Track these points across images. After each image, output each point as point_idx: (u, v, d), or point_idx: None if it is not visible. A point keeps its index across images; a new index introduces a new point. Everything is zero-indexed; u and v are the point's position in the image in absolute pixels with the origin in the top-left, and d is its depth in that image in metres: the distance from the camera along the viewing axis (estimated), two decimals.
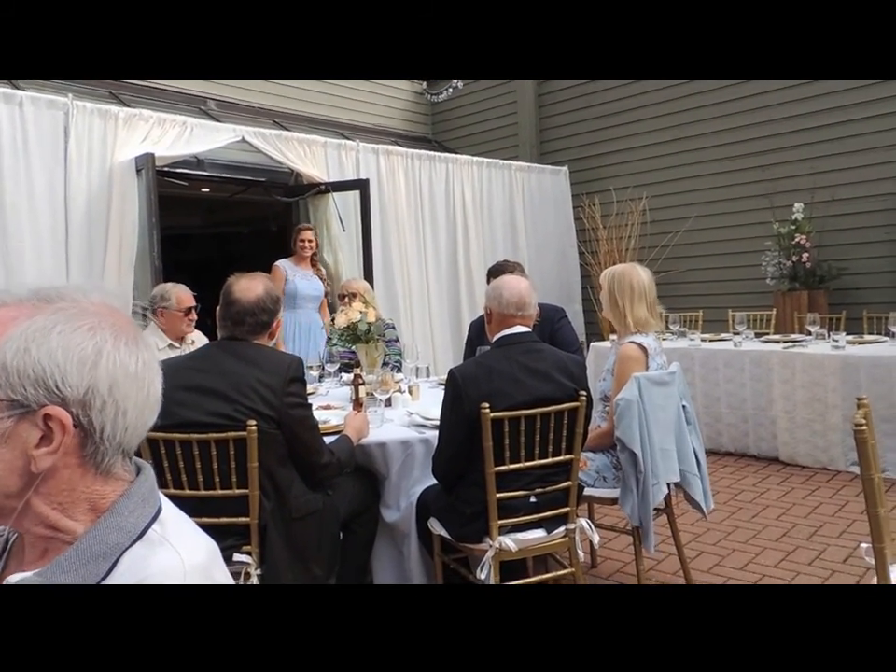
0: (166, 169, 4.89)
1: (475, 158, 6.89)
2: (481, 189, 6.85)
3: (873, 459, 1.55)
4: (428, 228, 6.36)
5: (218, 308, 2.23)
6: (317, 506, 2.24)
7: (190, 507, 1.95)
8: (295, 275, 5.07)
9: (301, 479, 2.23)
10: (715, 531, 3.52)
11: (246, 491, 2.05)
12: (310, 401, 2.37)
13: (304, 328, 5.04)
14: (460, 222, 6.60)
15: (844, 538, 3.34)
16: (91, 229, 4.28)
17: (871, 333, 5.18)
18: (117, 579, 0.79)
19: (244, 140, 5.09)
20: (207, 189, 7.22)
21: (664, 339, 5.26)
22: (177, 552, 0.82)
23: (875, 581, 1.57)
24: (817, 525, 3.52)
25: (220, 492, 2.05)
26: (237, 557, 2.05)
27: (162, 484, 2.05)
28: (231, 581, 0.89)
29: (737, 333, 4.93)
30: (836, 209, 6.12)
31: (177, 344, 3.45)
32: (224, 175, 5.99)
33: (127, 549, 0.80)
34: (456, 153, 7.17)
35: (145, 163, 4.36)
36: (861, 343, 4.57)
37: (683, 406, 2.79)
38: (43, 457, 0.78)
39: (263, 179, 6.14)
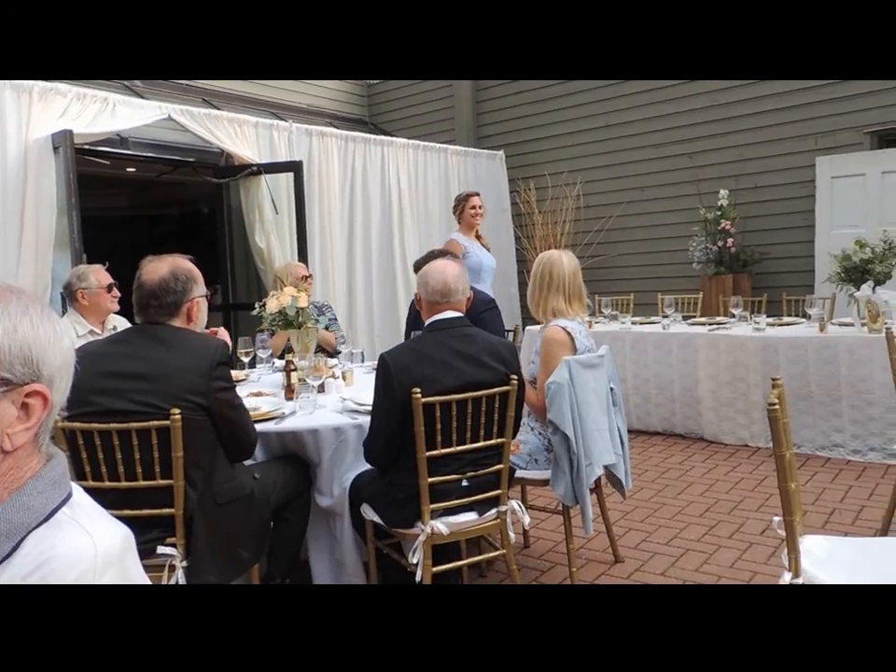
0: (87, 147, 4.68)
1: (411, 141, 6.83)
2: (417, 174, 6.80)
3: (785, 437, 1.62)
4: (363, 211, 6.29)
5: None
6: (244, 491, 2.20)
7: (111, 500, 1.92)
8: (473, 247, 4.66)
9: (229, 458, 2.19)
10: (642, 508, 3.63)
11: (171, 482, 1.99)
12: (237, 385, 2.33)
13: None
14: (396, 206, 6.55)
15: (762, 511, 3.50)
16: (5, 209, 4.06)
17: (790, 315, 5.41)
18: (20, 560, 0.76)
19: (170, 118, 4.90)
20: (133, 169, 6.95)
21: (596, 322, 5.38)
22: (89, 534, 0.80)
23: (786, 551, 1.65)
24: (737, 500, 3.67)
25: (143, 483, 1.99)
26: (161, 550, 2.00)
27: (80, 476, 1.98)
28: (142, 573, 0.87)
29: (666, 316, 5.07)
30: (759, 196, 6.36)
31: (98, 331, 3.32)
32: (150, 155, 5.77)
33: (33, 530, 0.78)
34: (392, 136, 7.09)
35: (62, 141, 4.15)
36: (780, 325, 4.77)
37: (611, 388, 2.85)
38: (19, 434, 0.80)
39: (192, 159, 5.95)
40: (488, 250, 4.82)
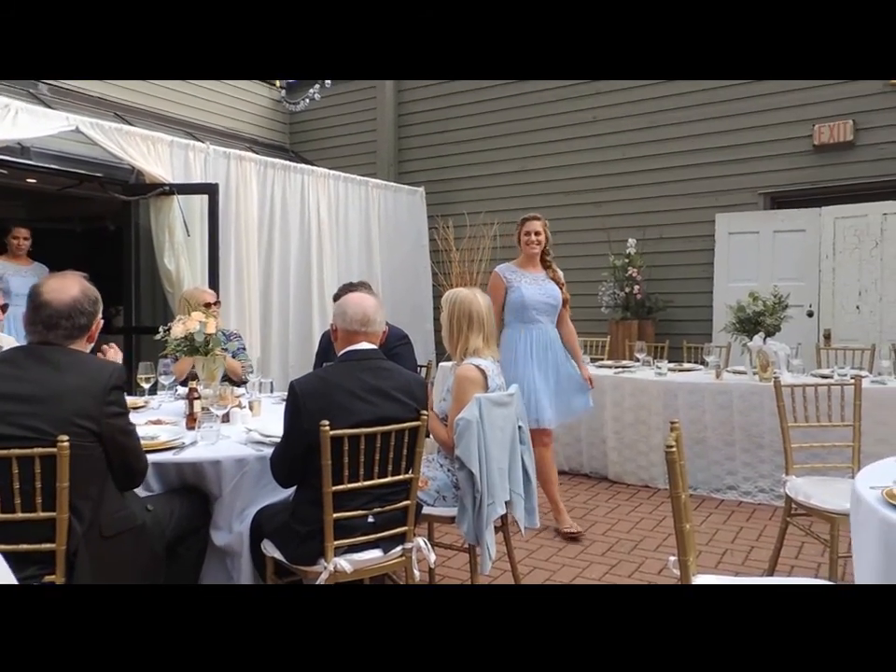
0: None
1: (332, 171, 6.82)
2: (337, 204, 6.78)
3: (681, 478, 1.68)
4: (281, 239, 6.19)
5: (25, 311, 2.03)
6: (135, 522, 2.08)
7: None
8: (521, 280, 3.96)
9: (118, 486, 2.07)
10: (548, 547, 3.67)
11: (54, 514, 1.86)
12: (133, 412, 2.23)
13: (540, 347, 3.93)
14: (314, 235, 6.49)
15: (659, 550, 3.60)
16: None
17: (689, 361, 5.67)
18: None
19: (78, 130, 4.70)
20: (34, 181, 6.59)
21: None
22: None
23: None
24: (637, 539, 3.77)
25: (21, 515, 1.84)
26: None
27: None
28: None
29: None
30: (664, 247, 6.69)
31: None
32: (53, 167, 5.49)
33: None
34: (313, 165, 7.06)
35: None
36: (680, 371, 4.99)
37: (519, 426, 2.89)
38: None
39: (100, 174, 5.70)
40: (559, 286, 4.04)
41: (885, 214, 5.79)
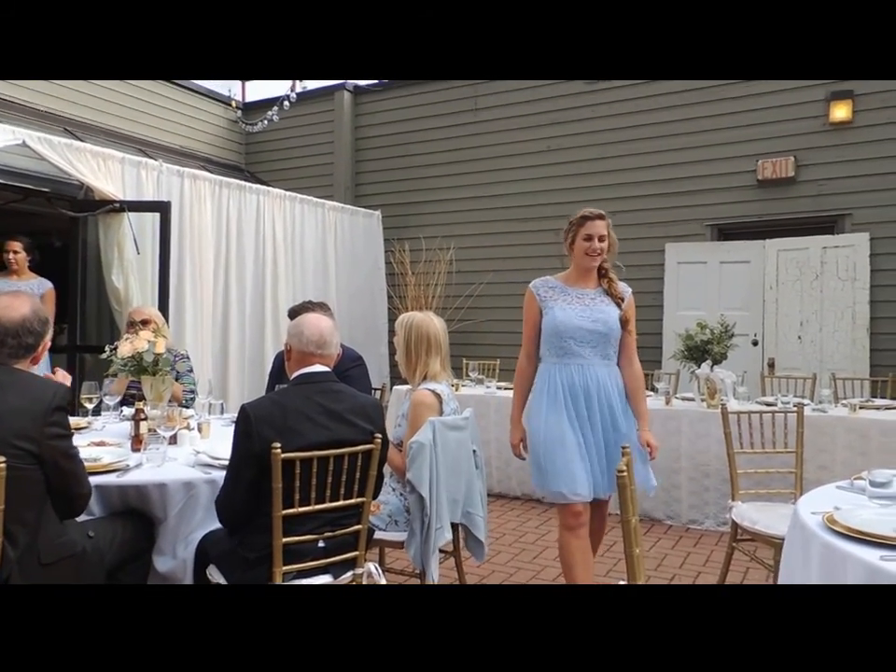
0: None
1: (288, 193, 6.79)
2: (293, 225, 6.74)
3: (631, 504, 1.70)
4: (235, 259, 6.11)
5: None
6: (75, 549, 2.00)
7: None
8: (558, 299, 2.88)
9: (58, 514, 1.99)
10: (499, 572, 3.66)
11: None
12: (76, 433, 2.15)
13: (579, 390, 2.81)
14: (269, 256, 6.43)
15: (610, 575, 3.63)
16: None
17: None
18: None
19: (25, 144, 4.58)
20: None
21: (463, 385, 5.47)
22: None
23: None
24: None
25: None
26: None
27: None
28: None
29: None
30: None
31: None
32: None
33: None
34: (269, 186, 7.02)
35: None
36: None
37: (474, 450, 2.89)
38: None
39: (47, 189, 5.56)
40: (617, 303, 2.88)
41: (824, 247, 6.04)
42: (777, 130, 6.30)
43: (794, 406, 3.49)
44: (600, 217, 2.90)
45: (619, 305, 2.89)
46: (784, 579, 1.91)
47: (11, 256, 5.04)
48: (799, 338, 6.12)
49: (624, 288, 2.95)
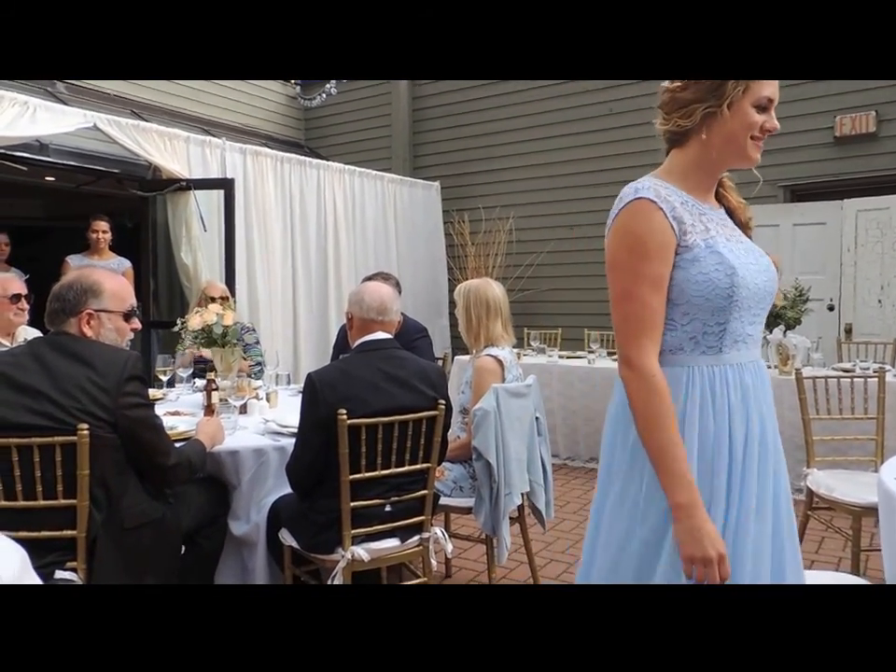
0: (1, 152, 4.46)
1: (347, 166, 6.83)
2: (353, 199, 6.79)
3: None
4: (298, 234, 6.22)
5: None
6: (156, 515, 2.08)
7: (4, 520, 1.78)
8: (710, 228, 1.45)
9: (146, 484, 2.08)
10: (564, 539, 3.65)
11: (74, 501, 1.87)
12: (153, 402, 2.22)
13: (758, 426, 1.46)
14: (331, 230, 6.51)
15: None
16: None
17: None
18: None
19: (96, 127, 4.73)
20: (52, 178, 6.66)
21: (524, 355, 5.45)
22: None
23: None
24: None
25: (43, 503, 1.86)
26: (60, 574, 1.86)
27: None
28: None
29: (592, 351, 5.18)
30: None
31: (7, 343, 3.12)
32: (71, 164, 5.54)
33: None
34: (328, 161, 7.07)
35: None
36: None
37: (536, 418, 2.87)
38: None
39: (117, 171, 5.75)
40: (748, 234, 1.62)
41: None
42: (857, 84, 5.93)
43: (874, 372, 3.33)
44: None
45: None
46: (885, 549, 1.84)
47: (99, 235, 5.26)
48: (879, 302, 5.82)
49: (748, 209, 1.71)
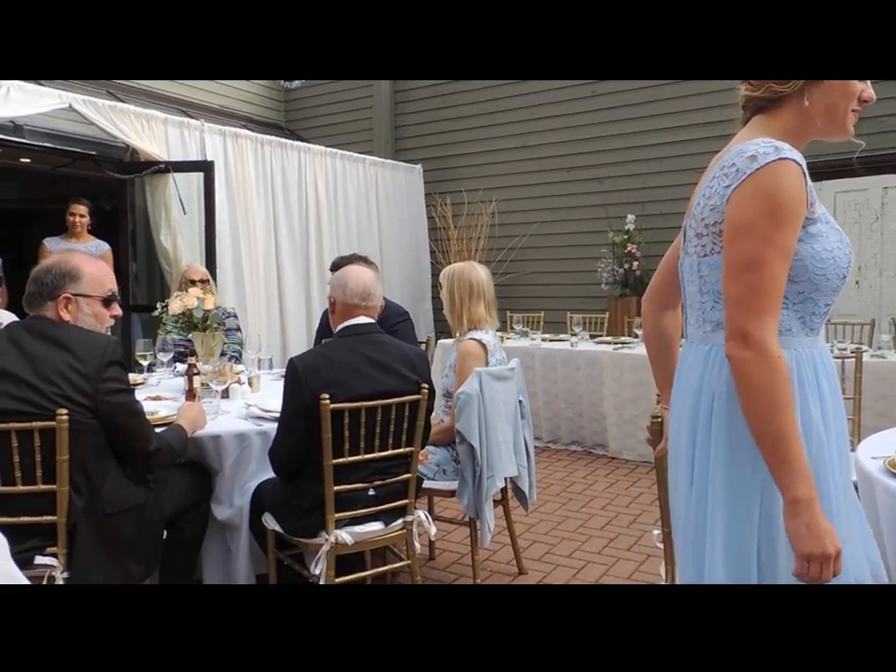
0: None
1: (329, 149, 6.76)
2: (335, 181, 6.74)
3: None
4: (281, 216, 6.17)
5: None
6: (137, 501, 2.07)
7: None
8: (821, 206, 1.31)
9: (127, 470, 2.06)
10: (547, 521, 3.69)
11: (54, 487, 1.85)
12: (133, 387, 2.20)
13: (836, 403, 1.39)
14: (313, 213, 6.46)
15: (657, 525, 3.60)
16: None
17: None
18: None
19: (71, 108, 4.64)
20: (28, 160, 6.53)
21: (507, 338, 5.46)
22: None
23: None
24: (636, 514, 3.79)
25: (21, 488, 1.84)
26: (40, 560, 1.85)
27: None
28: (22, 578, 0.80)
29: (574, 334, 5.20)
30: (663, 223, 6.65)
31: None
32: (47, 145, 5.43)
33: None
34: (310, 143, 7.00)
35: None
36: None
37: (520, 401, 2.89)
38: None
39: (94, 153, 5.65)
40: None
41: (885, 188, 5.76)
42: None
43: (852, 352, 3.38)
44: None
45: None
46: None
47: (77, 219, 5.18)
48: (857, 283, 5.89)
49: None
